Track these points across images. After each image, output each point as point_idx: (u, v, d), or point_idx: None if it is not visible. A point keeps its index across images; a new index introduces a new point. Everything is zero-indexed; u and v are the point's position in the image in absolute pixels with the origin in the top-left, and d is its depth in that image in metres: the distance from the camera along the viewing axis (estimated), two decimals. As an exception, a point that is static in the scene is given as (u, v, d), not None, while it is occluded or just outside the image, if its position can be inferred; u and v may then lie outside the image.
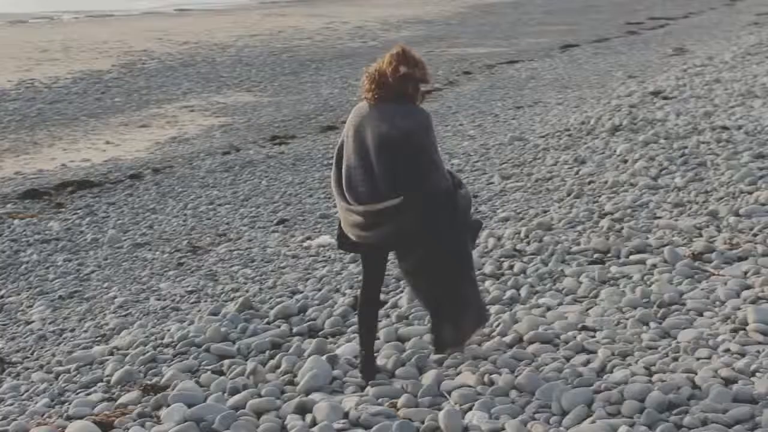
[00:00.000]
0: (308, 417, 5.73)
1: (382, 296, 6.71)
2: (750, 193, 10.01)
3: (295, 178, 13.88)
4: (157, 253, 10.65)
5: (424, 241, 5.93)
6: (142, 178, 14.35)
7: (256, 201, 12.76)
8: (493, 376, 6.04)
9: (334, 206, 12.06)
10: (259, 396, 6.06)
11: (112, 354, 7.31)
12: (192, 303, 8.68)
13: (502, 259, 8.60)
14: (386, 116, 5.85)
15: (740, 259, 8.00)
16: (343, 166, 6.03)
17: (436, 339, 6.44)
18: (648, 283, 7.58)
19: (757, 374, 5.75)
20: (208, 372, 6.58)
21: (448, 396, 5.88)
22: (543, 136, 14.61)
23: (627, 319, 6.87)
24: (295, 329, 7.33)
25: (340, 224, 6.25)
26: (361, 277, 6.36)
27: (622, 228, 9.09)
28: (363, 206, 5.88)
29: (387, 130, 5.81)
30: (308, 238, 10.65)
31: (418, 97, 6.06)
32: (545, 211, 10.32)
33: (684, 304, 7.07)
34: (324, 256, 9.77)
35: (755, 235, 8.56)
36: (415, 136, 5.84)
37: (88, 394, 6.52)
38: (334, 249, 9.93)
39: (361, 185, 5.91)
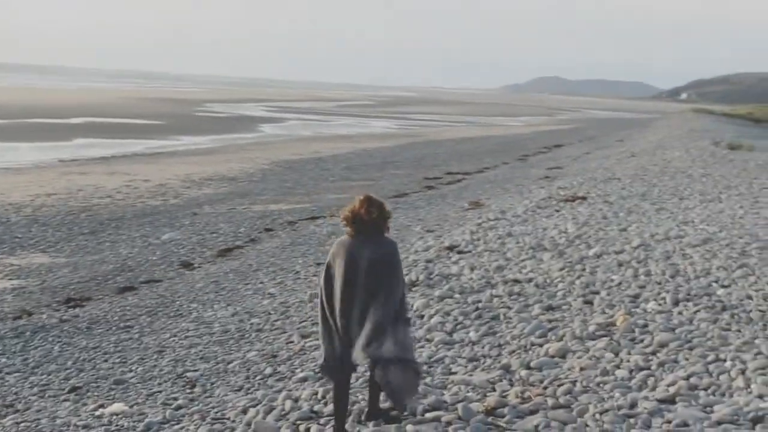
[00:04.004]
0: None
1: None
2: (540, 345, 10.29)
3: (89, 343, 13.47)
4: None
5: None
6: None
7: (47, 368, 12.29)
8: None
9: (129, 371, 11.83)
10: None
11: None
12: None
13: (299, 422, 8.49)
14: (366, 245, 7.54)
15: (532, 412, 8.15)
16: (335, 289, 7.62)
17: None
18: (443, 441, 7.61)
19: None
20: None
21: None
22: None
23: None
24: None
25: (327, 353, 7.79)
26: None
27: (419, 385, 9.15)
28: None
29: (369, 255, 7.50)
30: (101, 406, 10.28)
31: (386, 229, 7.73)
32: (343, 370, 10.29)
33: (477, 462, 7.11)
34: (117, 425, 9.43)
35: (545, 387, 8.77)
36: (389, 259, 7.58)
37: None
38: (127, 417, 9.63)
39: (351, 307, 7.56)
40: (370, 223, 7.58)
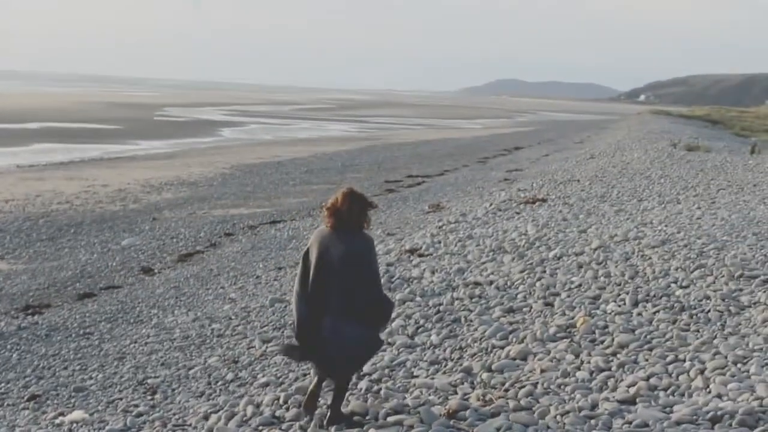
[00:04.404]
0: None
1: None
2: (501, 347, 10.33)
3: (48, 350, 13.36)
4: None
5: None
6: None
7: (6, 376, 12.18)
8: None
9: (89, 378, 11.74)
10: None
11: None
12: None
13: (261, 428, 8.47)
14: (343, 240, 7.71)
15: (493, 415, 8.18)
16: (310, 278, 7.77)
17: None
18: (405, 445, 7.62)
19: None
20: None
21: None
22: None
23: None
24: None
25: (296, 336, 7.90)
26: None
27: (381, 389, 9.17)
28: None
29: (344, 250, 7.67)
30: (61, 414, 10.20)
31: (366, 224, 7.86)
32: (305, 375, 10.29)
33: (440, 465, 7.12)
34: (77, 433, 9.37)
35: (506, 390, 8.80)
36: (365, 255, 7.76)
37: None
38: (87, 424, 9.56)
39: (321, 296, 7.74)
40: (348, 218, 7.76)
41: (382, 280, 14.22)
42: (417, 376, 9.61)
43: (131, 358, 12.64)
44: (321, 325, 7.80)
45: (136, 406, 10.34)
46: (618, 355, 9.68)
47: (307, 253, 7.92)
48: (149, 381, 11.32)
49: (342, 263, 7.70)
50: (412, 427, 8.02)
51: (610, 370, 9.29)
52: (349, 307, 7.74)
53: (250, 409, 9.02)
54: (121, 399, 10.75)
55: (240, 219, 26.85)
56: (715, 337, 10.01)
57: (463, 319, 11.76)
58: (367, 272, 7.80)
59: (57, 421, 9.93)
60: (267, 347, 11.95)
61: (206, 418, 9.21)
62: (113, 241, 23.08)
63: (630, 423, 7.69)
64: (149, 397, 10.67)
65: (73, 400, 10.82)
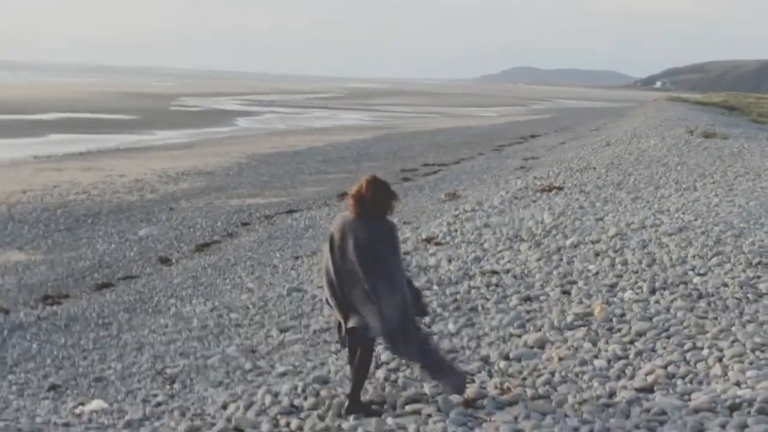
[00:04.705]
0: None
1: None
2: (519, 336, 10.35)
3: (67, 340, 13.43)
4: None
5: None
6: None
7: (26, 366, 12.24)
8: None
9: (108, 368, 11.81)
10: None
11: None
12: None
13: (279, 417, 8.51)
14: (367, 225, 7.91)
15: (510, 404, 8.20)
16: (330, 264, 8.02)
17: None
18: (423, 433, 7.65)
19: None
20: None
21: None
22: (320, 287, 14.69)
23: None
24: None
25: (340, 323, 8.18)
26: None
27: (398, 378, 9.19)
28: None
29: (367, 235, 7.87)
30: (81, 404, 10.25)
31: (390, 211, 8.06)
32: (323, 364, 10.33)
33: (458, 454, 7.14)
34: (97, 423, 9.41)
35: (524, 378, 8.82)
36: (389, 240, 7.97)
37: None
38: (107, 414, 9.62)
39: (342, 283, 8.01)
40: (372, 205, 7.97)
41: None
42: (434, 365, 9.60)
43: (150, 347, 12.69)
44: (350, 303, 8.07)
45: (155, 395, 10.39)
46: (635, 343, 9.69)
47: (331, 239, 8.10)
48: (168, 371, 11.37)
49: (366, 248, 7.88)
50: (430, 416, 8.06)
51: (627, 358, 9.30)
52: (372, 291, 7.91)
53: (268, 399, 9.06)
54: (140, 389, 10.80)
55: (256, 208, 26.88)
56: (733, 324, 10.00)
57: (480, 308, 11.78)
58: (391, 257, 7.98)
59: (77, 410, 9.98)
60: (285, 337, 11.99)
61: (225, 407, 9.26)
62: (130, 231, 23.13)
63: (648, 411, 7.70)
64: (168, 387, 10.73)
65: (92, 390, 10.87)
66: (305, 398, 8.92)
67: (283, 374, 10.19)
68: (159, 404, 9.98)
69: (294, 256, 18.77)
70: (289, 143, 51.16)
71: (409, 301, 8.12)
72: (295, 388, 9.27)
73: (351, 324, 8.05)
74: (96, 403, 10.08)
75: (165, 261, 19.59)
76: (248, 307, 14.18)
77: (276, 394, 9.20)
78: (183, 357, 11.96)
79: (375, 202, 7.98)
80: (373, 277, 7.91)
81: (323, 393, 8.95)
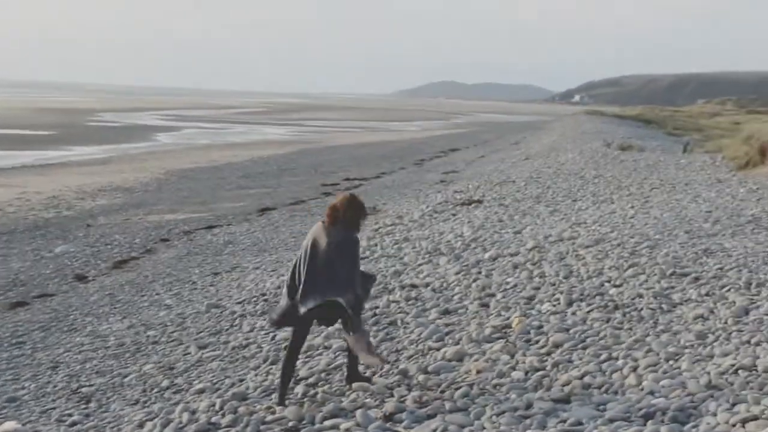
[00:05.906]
0: None
1: None
2: (438, 349, 10.37)
3: (-21, 362, 13.15)
4: None
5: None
6: None
7: (-64, 389, 11.95)
8: None
9: (22, 388, 11.57)
10: None
11: None
12: None
13: (196, 435, 8.42)
14: (333, 234, 8.88)
15: (429, 416, 8.21)
16: (303, 267, 8.96)
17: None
18: (342, 448, 7.62)
19: None
20: None
21: None
22: (240, 302, 14.62)
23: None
24: None
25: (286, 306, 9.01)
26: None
27: (317, 393, 9.16)
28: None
29: (334, 239, 8.84)
30: (-7, 425, 10.04)
31: (358, 227, 9.11)
32: (241, 380, 10.25)
33: (376, 468, 7.12)
34: (9, 445, 9.23)
35: (443, 391, 8.84)
36: (349, 246, 8.94)
37: None
38: (20, 436, 9.43)
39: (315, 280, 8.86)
40: (343, 218, 8.95)
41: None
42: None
43: (65, 366, 12.48)
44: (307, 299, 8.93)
45: (70, 415, 10.21)
46: (553, 355, 9.77)
47: (307, 240, 9.11)
48: (83, 390, 11.19)
49: (328, 251, 8.84)
50: (348, 430, 8.03)
51: (545, 369, 9.36)
52: (331, 283, 8.83)
53: (185, 416, 8.97)
54: (54, 408, 10.60)
55: (175, 224, 26.64)
56: (648, 334, 10.14)
57: (399, 322, 11.78)
58: (348, 261, 8.90)
59: (-11, 432, 9.77)
60: (203, 353, 11.87)
61: (141, 426, 9.14)
62: (46, 249, 22.77)
63: (564, 422, 7.76)
64: (83, 406, 10.55)
65: (5, 411, 10.65)
66: (223, 415, 8.83)
67: (201, 391, 10.08)
68: (74, 424, 9.81)
69: (213, 272, 18.61)
70: (210, 158, 50.86)
71: (361, 296, 9.07)
72: (213, 405, 9.18)
73: (307, 306, 8.86)
74: (9, 424, 9.87)
75: (82, 278, 19.31)
76: (166, 324, 14.02)
77: (194, 412, 9.11)
78: (99, 375, 11.78)
79: (345, 216, 8.96)
80: (332, 273, 8.84)
81: (241, 410, 8.88)
